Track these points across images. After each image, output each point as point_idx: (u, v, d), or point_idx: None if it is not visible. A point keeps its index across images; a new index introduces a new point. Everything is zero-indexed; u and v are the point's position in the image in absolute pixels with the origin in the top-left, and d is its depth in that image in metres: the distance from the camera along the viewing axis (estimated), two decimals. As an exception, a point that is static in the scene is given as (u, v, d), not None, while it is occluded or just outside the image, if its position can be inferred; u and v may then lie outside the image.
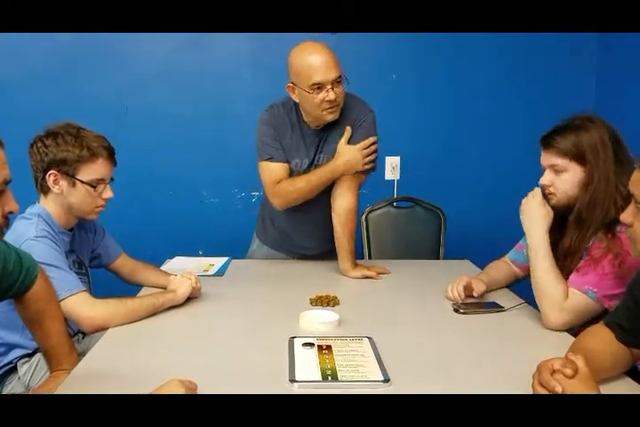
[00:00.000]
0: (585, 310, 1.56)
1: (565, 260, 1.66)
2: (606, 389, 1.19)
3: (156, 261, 2.20)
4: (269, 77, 2.78)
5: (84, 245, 1.85)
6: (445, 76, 3.02)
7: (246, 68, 2.97)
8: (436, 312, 1.78)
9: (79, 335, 1.78)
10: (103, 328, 1.59)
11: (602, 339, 1.31)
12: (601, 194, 1.60)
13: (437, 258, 2.66)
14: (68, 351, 1.48)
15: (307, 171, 2.10)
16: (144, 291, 1.91)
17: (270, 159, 2.08)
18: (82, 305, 1.58)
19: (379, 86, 2.94)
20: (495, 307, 1.78)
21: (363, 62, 2.86)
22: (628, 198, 1.44)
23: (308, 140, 2.09)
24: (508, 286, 1.97)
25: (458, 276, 1.88)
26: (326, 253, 2.27)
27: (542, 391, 1.11)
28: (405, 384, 1.26)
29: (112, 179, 1.75)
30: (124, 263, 1.97)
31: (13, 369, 1.64)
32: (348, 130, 2.05)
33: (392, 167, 3.04)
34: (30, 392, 1.55)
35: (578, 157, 1.62)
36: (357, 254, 2.25)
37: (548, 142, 1.67)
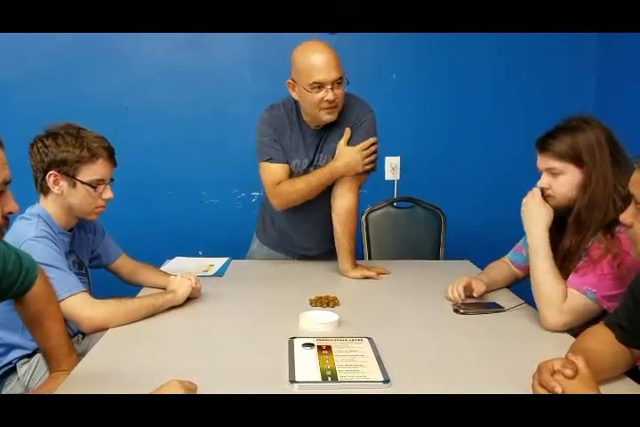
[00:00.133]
0: (584, 311, 1.56)
1: (564, 261, 1.66)
2: (606, 389, 1.19)
3: (156, 261, 2.19)
4: (269, 77, 2.77)
5: (83, 245, 1.85)
6: (445, 76, 3.02)
7: (246, 68, 2.97)
8: (436, 312, 1.78)
9: (79, 336, 1.77)
10: (103, 329, 1.59)
11: (602, 339, 1.31)
12: (600, 195, 1.59)
13: (437, 258, 2.66)
14: (68, 352, 1.48)
15: (306, 171, 2.10)
16: (144, 291, 1.91)
17: (270, 160, 2.08)
18: (81, 306, 1.58)
19: (379, 86, 2.94)
20: (495, 307, 1.78)
21: (363, 62, 2.86)
22: (626, 199, 1.45)
23: (308, 140, 2.09)
24: (507, 287, 1.97)
25: (458, 276, 1.88)
26: (326, 253, 2.27)
27: (542, 392, 1.11)
28: (405, 384, 1.26)
29: (112, 179, 1.74)
30: (124, 264, 1.97)
31: (13, 370, 1.64)
32: (348, 131, 2.05)
33: (392, 167, 3.04)
34: (30, 393, 1.55)
35: (575, 159, 1.62)
36: (357, 255, 2.25)
37: (543, 146, 1.66)
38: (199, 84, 2.96)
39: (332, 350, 1.42)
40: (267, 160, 2.09)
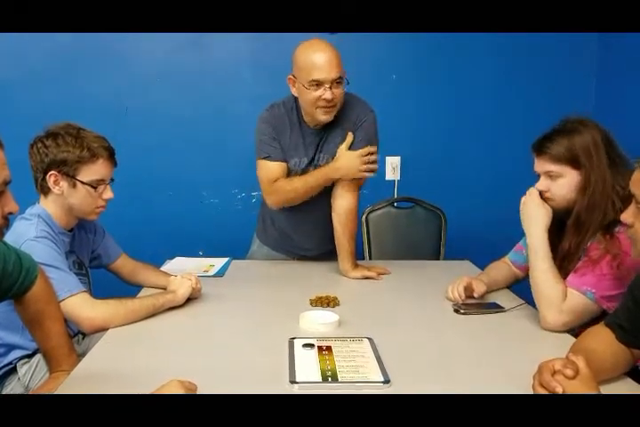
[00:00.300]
0: (583, 311, 1.56)
1: (564, 261, 1.66)
2: (606, 389, 1.19)
3: (156, 261, 2.19)
4: (269, 77, 2.78)
5: (83, 245, 1.85)
6: (445, 76, 3.02)
7: (246, 68, 2.97)
8: (437, 313, 1.78)
9: (79, 336, 1.77)
10: (103, 329, 1.59)
11: (602, 340, 1.31)
12: (598, 196, 1.59)
13: (438, 258, 2.66)
14: (68, 352, 1.48)
15: (305, 170, 2.10)
16: (144, 292, 1.91)
17: (267, 158, 2.08)
18: (82, 306, 1.58)
19: (379, 86, 2.94)
20: (495, 307, 1.78)
21: (363, 62, 2.86)
22: (625, 199, 1.45)
23: (308, 139, 2.09)
24: (508, 287, 1.97)
25: (458, 276, 1.88)
26: (326, 253, 2.27)
27: (543, 392, 1.11)
28: (406, 385, 1.26)
29: (112, 179, 1.74)
30: (124, 264, 1.97)
31: (13, 370, 1.64)
32: (350, 135, 2.04)
33: (392, 168, 3.04)
34: (30, 393, 1.55)
35: (572, 161, 1.62)
36: (358, 255, 2.25)
37: (540, 149, 1.66)
38: (199, 84, 2.96)
39: (333, 350, 1.42)
40: (264, 158, 2.09)
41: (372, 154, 2.05)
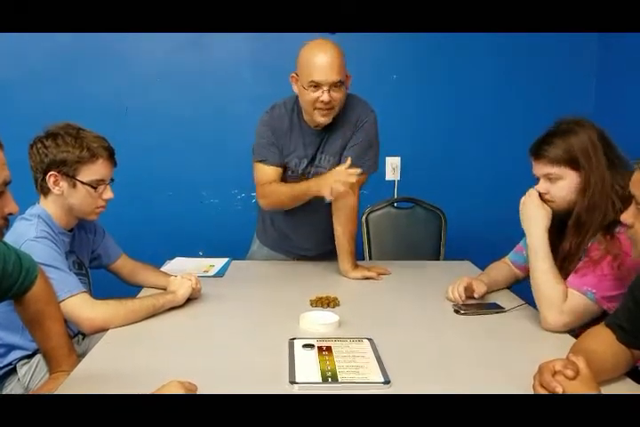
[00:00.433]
0: (584, 311, 1.55)
1: (564, 261, 1.66)
2: (606, 389, 1.19)
3: (156, 261, 2.19)
4: (269, 77, 2.78)
5: (83, 245, 1.85)
6: (445, 76, 3.02)
7: (246, 68, 2.97)
8: (437, 313, 1.78)
9: (79, 336, 1.77)
10: (103, 329, 1.58)
11: (603, 340, 1.31)
12: (598, 196, 1.59)
13: (438, 259, 2.66)
14: (68, 353, 1.48)
15: (305, 170, 2.11)
16: (144, 292, 1.91)
17: (263, 161, 2.09)
18: (82, 306, 1.58)
19: (379, 86, 2.94)
20: (496, 308, 1.78)
21: (363, 62, 2.85)
22: (624, 198, 1.45)
23: (308, 139, 2.09)
24: (508, 287, 1.97)
25: (458, 277, 1.88)
26: (326, 254, 2.27)
27: (543, 392, 1.11)
28: (406, 385, 1.26)
29: (112, 179, 1.74)
30: (124, 264, 1.97)
31: (13, 371, 1.64)
32: (349, 160, 1.94)
33: (392, 168, 3.04)
34: (30, 393, 1.55)
35: (571, 162, 1.61)
36: (358, 255, 2.25)
37: (538, 152, 1.65)
38: (199, 84, 2.96)
39: (333, 350, 1.42)
40: (260, 161, 2.10)
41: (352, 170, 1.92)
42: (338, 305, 1.80)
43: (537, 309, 1.64)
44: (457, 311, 1.75)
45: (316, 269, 2.24)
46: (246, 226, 2.51)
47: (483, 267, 2.08)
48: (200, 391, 1.16)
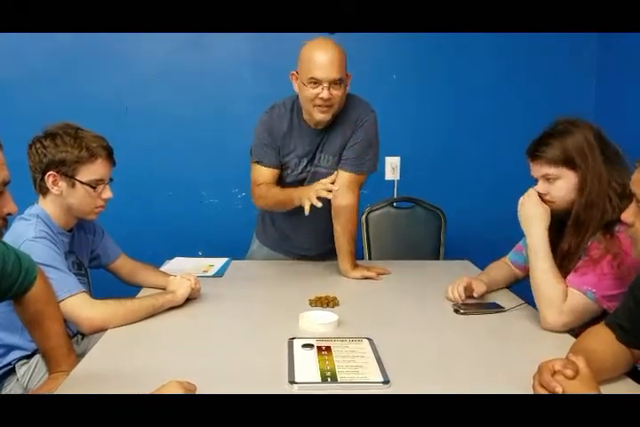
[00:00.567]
0: (584, 311, 1.55)
1: (564, 260, 1.66)
2: (606, 389, 1.19)
3: (156, 261, 2.19)
4: (269, 77, 2.78)
5: (83, 245, 1.85)
6: (445, 76, 3.02)
7: (246, 68, 2.97)
8: (437, 313, 1.78)
9: (78, 336, 1.77)
10: (102, 329, 1.58)
11: (602, 340, 1.31)
12: (595, 195, 1.59)
13: (437, 258, 2.66)
14: (67, 353, 1.48)
15: (305, 169, 2.11)
16: (143, 292, 1.91)
17: (258, 162, 2.11)
18: (81, 306, 1.58)
19: (379, 86, 2.93)
20: (495, 307, 1.78)
21: (363, 62, 2.84)
22: (622, 195, 1.45)
23: (308, 138, 2.09)
24: (508, 287, 1.97)
25: (458, 276, 1.88)
26: (326, 253, 2.27)
27: (543, 392, 1.11)
28: (405, 385, 1.26)
29: (111, 179, 1.74)
30: (124, 264, 1.97)
31: (12, 371, 1.63)
32: (335, 174, 2.00)
33: (392, 168, 3.04)
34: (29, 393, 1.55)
35: (568, 162, 1.62)
36: (357, 255, 2.24)
37: (535, 153, 1.66)
38: (199, 84, 2.96)
39: (332, 350, 1.42)
40: (256, 162, 2.12)
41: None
42: (337, 305, 1.80)
43: (536, 308, 1.64)
44: (457, 311, 1.75)
45: (315, 269, 2.24)
46: (246, 226, 2.51)
47: (482, 267, 2.08)
48: (199, 391, 1.15)
